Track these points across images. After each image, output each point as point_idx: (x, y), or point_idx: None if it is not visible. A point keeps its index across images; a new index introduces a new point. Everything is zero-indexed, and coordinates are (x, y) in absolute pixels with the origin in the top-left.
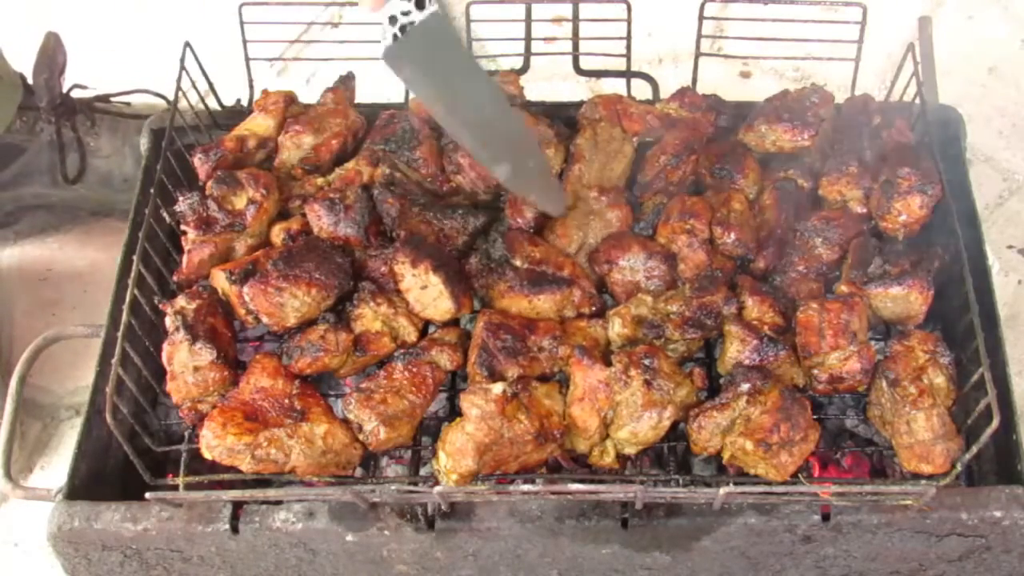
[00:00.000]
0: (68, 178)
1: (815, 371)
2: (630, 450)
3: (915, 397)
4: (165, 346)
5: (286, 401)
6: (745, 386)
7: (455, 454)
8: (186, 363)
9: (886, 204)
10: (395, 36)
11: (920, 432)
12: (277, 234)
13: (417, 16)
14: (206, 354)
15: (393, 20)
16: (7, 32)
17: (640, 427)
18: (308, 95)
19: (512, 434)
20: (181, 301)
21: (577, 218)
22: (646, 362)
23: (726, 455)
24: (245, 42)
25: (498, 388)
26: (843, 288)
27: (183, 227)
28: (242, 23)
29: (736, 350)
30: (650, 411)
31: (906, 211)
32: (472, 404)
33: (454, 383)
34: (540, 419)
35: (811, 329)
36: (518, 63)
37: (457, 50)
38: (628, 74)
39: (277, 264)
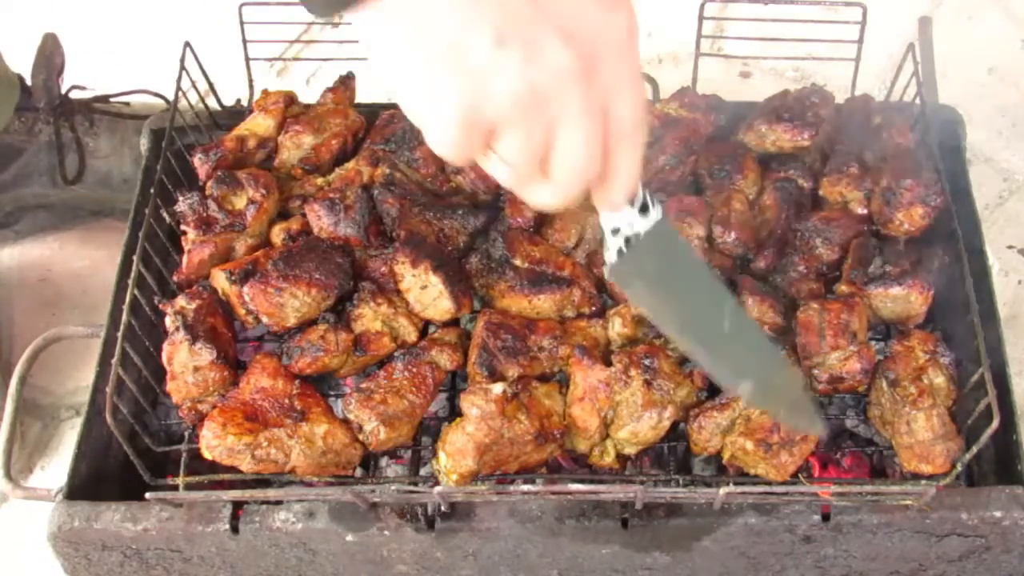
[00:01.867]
0: (67, 179)
1: (815, 371)
2: (630, 450)
3: (915, 397)
4: (165, 346)
5: (286, 401)
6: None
7: (455, 454)
8: (186, 363)
9: (888, 213)
10: (620, 252)
11: (920, 432)
12: (277, 234)
13: (642, 225)
14: (206, 354)
15: (616, 231)
16: (5, 33)
17: (640, 427)
18: (308, 95)
19: (512, 434)
20: (181, 301)
21: (575, 213)
22: (646, 362)
23: (726, 455)
24: (245, 42)
25: (498, 388)
26: (843, 288)
27: (183, 227)
28: (242, 23)
29: None
30: (650, 411)
31: (908, 221)
32: (472, 404)
33: (454, 383)
34: (540, 419)
35: (811, 329)
36: None
37: (686, 259)
38: None
39: (277, 264)
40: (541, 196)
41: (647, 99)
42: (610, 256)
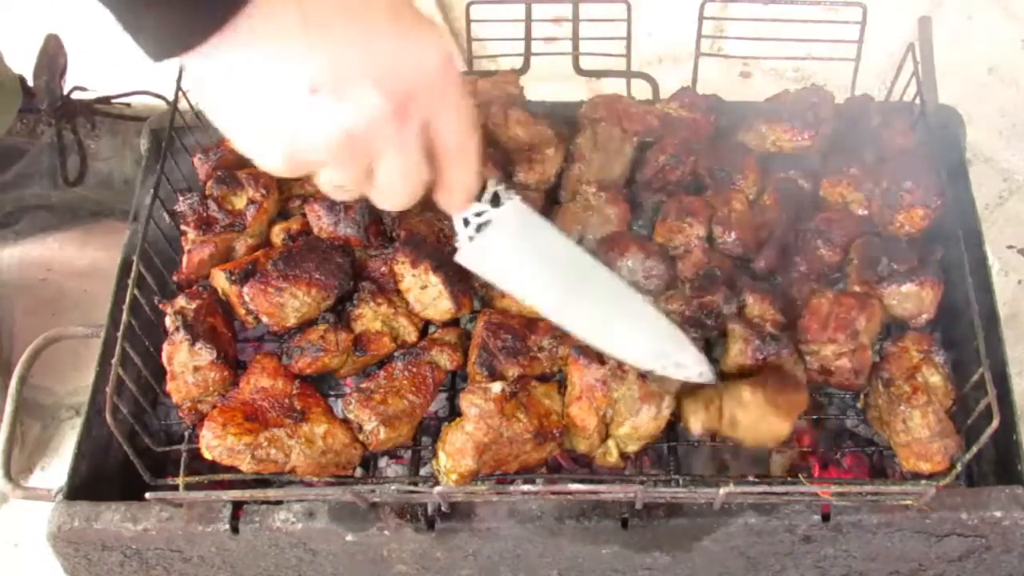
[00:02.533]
0: (69, 180)
1: (808, 356)
2: (633, 447)
3: (909, 395)
4: (165, 346)
5: (286, 401)
6: None
7: (455, 454)
8: (186, 363)
9: (889, 215)
10: (469, 238)
11: (917, 430)
12: (277, 234)
13: (494, 215)
14: (206, 354)
15: (466, 222)
16: (7, 34)
17: (640, 420)
18: None
19: (511, 433)
20: (181, 301)
21: (575, 212)
22: None
23: (725, 420)
24: None
25: (497, 387)
26: (856, 289)
27: (183, 227)
28: None
29: (739, 348)
30: (648, 403)
31: (909, 223)
32: (471, 403)
33: (454, 383)
34: (539, 418)
35: (817, 315)
36: (518, 63)
37: (551, 241)
38: (628, 74)
39: (277, 264)
40: (375, 202)
41: (473, 119)
42: (460, 242)
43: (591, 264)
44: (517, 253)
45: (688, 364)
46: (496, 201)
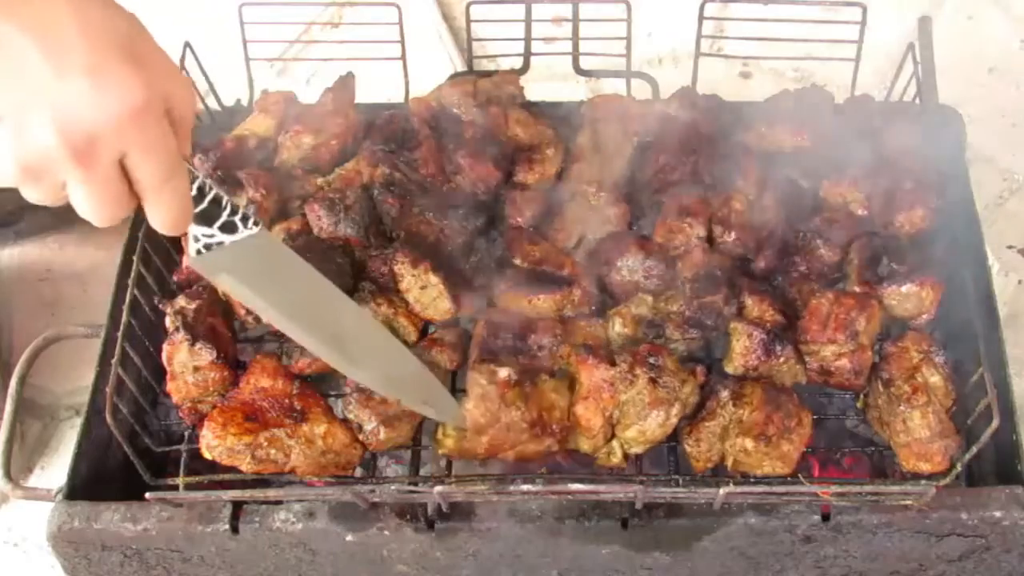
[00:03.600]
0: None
1: (808, 357)
2: (637, 449)
3: (909, 395)
4: (165, 346)
5: (286, 401)
6: (724, 392)
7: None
8: (186, 363)
9: (889, 215)
10: (199, 251)
11: (917, 430)
12: (277, 234)
13: (225, 238)
14: (206, 354)
15: (196, 238)
16: None
17: (648, 425)
18: (308, 95)
19: (508, 419)
20: (181, 301)
21: (575, 213)
22: (651, 360)
23: (730, 462)
24: (245, 42)
25: (503, 372)
26: (856, 289)
27: None
28: (242, 23)
29: (744, 346)
30: (657, 409)
31: (908, 223)
32: (475, 382)
33: (454, 383)
34: (540, 411)
35: (817, 316)
36: (518, 63)
37: (292, 268)
38: (628, 74)
39: None
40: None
41: (173, 159)
42: (191, 251)
43: (338, 298)
44: (248, 278)
45: (438, 405)
46: (231, 229)
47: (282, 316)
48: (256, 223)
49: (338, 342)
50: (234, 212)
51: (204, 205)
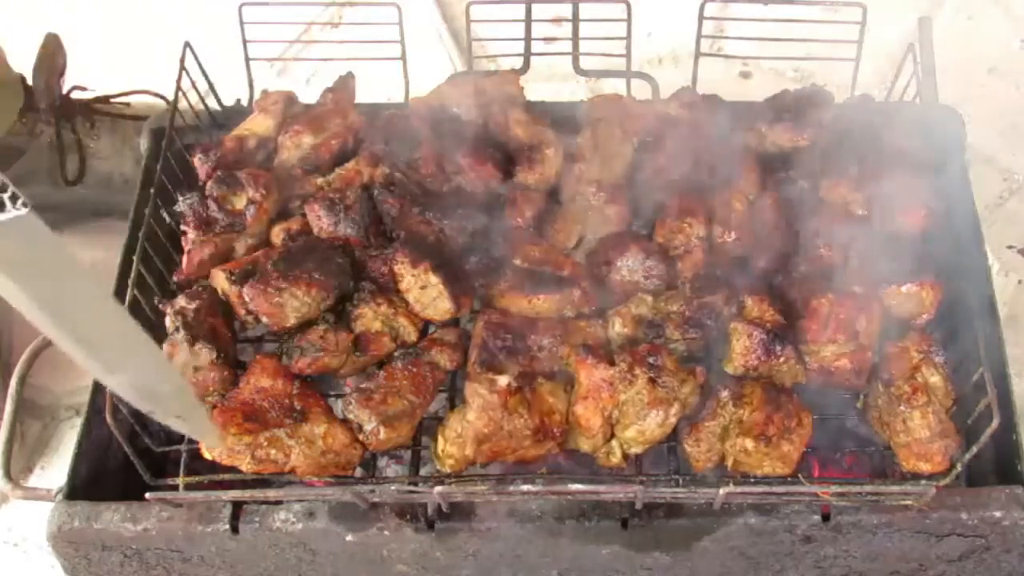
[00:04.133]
0: (68, 179)
1: (808, 357)
2: (636, 449)
3: (909, 395)
4: (165, 346)
5: (286, 401)
6: (725, 393)
7: (454, 440)
8: (186, 363)
9: (888, 215)
10: None
11: (917, 430)
12: (277, 234)
13: None
14: (206, 354)
15: None
16: (6, 33)
17: (647, 425)
18: (308, 95)
19: (511, 427)
20: (181, 301)
21: (575, 213)
22: (651, 360)
23: (730, 462)
24: (245, 42)
25: (503, 380)
26: (856, 289)
27: (183, 227)
28: (242, 23)
29: (744, 346)
30: (656, 409)
31: (908, 223)
32: (475, 393)
33: (454, 383)
34: (541, 415)
35: (817, 317)
36: (518, 63)
37: (56, 259)
38: (628, 74)
39: (277, 265)
40: None
41: None
42: None
43: (103, 298)
44: (7, 263)
45: (194, 424)
46: None
47: (35, 307)
48: (25, 204)
49: (93, 344)
50: (3, 189)
51: None
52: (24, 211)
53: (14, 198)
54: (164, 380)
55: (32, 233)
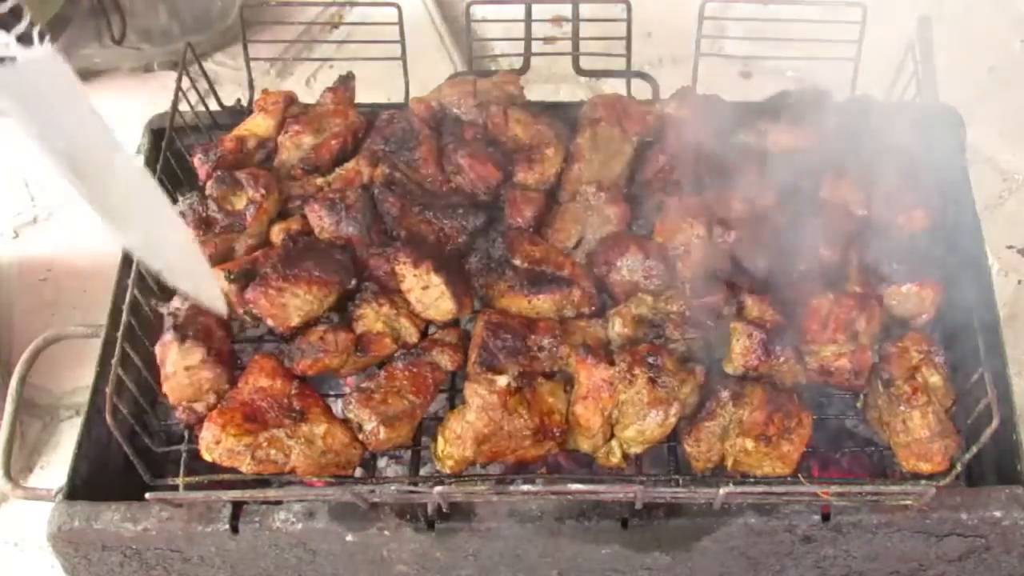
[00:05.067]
0: (115, 38)
1: (808, 357)
2: (636, 449)
3: (909, 395)
4: (157, 347)
5: (285, 401)
6: (725, 393)
7: (454, 441)
8: (177, 363)
9: (889, 215)
10: None
11: (917, 430)
12: (277, 234)
13: (19, 53)
14: (196, 353)
15: None
16: None
17: (647, 425)
18: (308, 95)
19: (511, 427)
20: (175, 302)
21: (575, 212)
22: (651, 360)
23: (729, 462)
24: (245, 42)
25: (503, 380)
26: (856, 289)
27: None
28: (243, 23)
29: (744, 346)
30: (656, 409)
31: (908, 223)
32: (475, 393)
33: (454, 383)
34: (541, 416)
35: (817, 317)
36: (518, 63)
37: (76, 104)
38: (628, 74)
39: (276, 266)
40: None
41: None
42: None
43: (117, 147)
44: (31, 102)
45: (200, 285)
46: (27, 40)
47: (53, 152)
48: (52, 41)
49: (106, 194)
50: (32, 24)
51: (6, 8)
52: (51, 47)
53: (42, 35)
54: (174, 236)
55: (57, 73)
